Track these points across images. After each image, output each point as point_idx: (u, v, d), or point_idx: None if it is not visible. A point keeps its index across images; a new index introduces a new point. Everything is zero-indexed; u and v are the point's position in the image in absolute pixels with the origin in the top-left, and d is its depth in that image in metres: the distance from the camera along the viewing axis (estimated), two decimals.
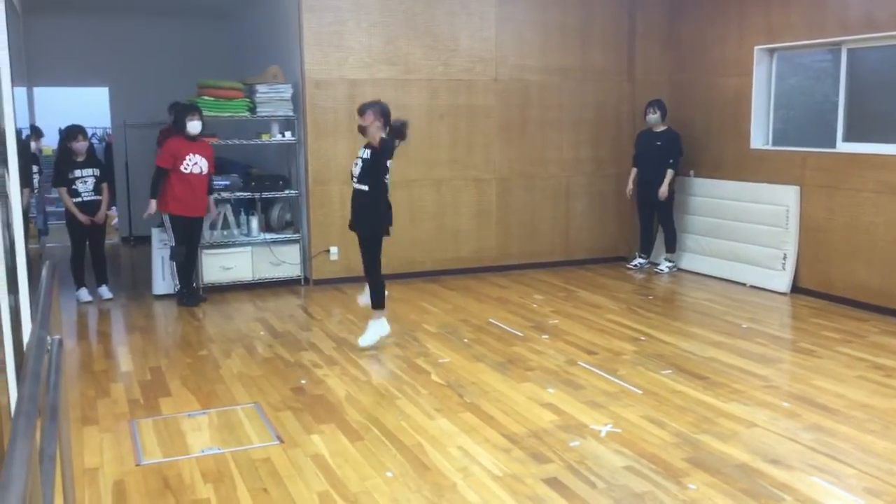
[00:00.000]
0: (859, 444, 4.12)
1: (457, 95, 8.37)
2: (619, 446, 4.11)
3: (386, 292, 5.94)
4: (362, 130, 5.61)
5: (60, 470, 2.68)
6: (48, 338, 2.60)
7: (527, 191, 8.82)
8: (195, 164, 7.20)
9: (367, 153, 5.66)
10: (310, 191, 7.94)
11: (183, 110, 7.35)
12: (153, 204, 7.26)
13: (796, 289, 7.54)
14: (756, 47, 7.88)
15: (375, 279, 5.84)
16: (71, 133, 7.43)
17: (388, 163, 5.68)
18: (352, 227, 5.92)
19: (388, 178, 5.74)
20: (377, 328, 5.89)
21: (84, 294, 7.57)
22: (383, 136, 5.56)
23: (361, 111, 5.59)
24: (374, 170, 5.62)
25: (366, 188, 5.67)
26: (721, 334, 6.23)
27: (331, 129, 7.90)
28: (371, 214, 5.73)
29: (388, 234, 5.84)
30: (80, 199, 7.38)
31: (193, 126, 7.19)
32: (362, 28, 7.95)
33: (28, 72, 10.03)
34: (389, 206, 5.80)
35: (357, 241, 5.92)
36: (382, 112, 5.59)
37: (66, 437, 2.87)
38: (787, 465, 3.88)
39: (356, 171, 5.72)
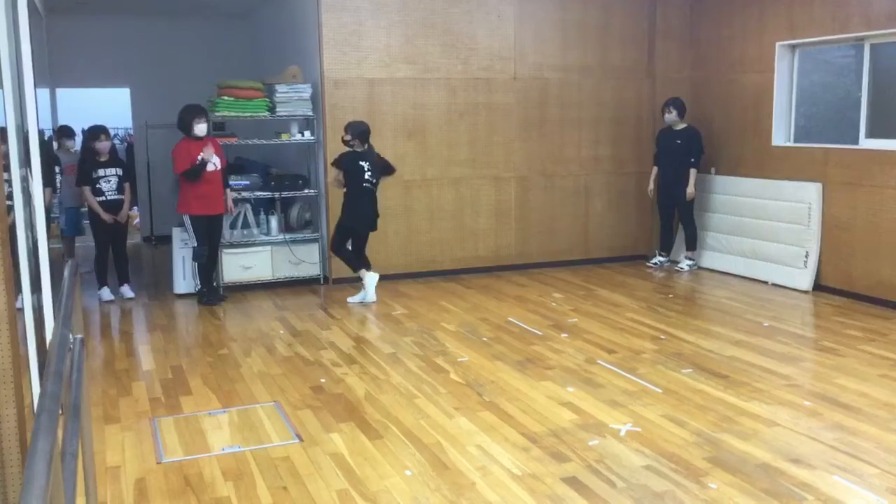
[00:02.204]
0: (882, 444, 4.08)
1: (476, 94, 8.37)
2: (639, 445, 4.09)
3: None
4: (346, 144, 7.11)
5: (82, 467, 2.70)
6: (70, 336, 2.62)
7: (546, 189, 8.79)
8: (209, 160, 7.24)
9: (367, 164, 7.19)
10: (329, 190, 7.96)
11: (190, 112, 7.24)
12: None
13: (818, 287, 7.48)
14: (777, 43, 7.81)
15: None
16: (94, 133, 7.50)
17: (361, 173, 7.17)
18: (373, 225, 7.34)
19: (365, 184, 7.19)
20: (369, 280, 7.35)
21: (106, 293, 7.63)
22: (358, 151, 7.10)
23: (346, 129, 7.16)
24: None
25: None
26: (742, 333, 6.18)
27: None
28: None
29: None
30: (103, 199, 7.45)
31: (200, 129, 7.20)
32: (381, 27, 7.96)
33: (50, 73, 10.14)
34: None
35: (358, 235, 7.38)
36: (360, 132, 7.10)
37: (88, 434, 2.89)
38: (809, 465, 3.84)
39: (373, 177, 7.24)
